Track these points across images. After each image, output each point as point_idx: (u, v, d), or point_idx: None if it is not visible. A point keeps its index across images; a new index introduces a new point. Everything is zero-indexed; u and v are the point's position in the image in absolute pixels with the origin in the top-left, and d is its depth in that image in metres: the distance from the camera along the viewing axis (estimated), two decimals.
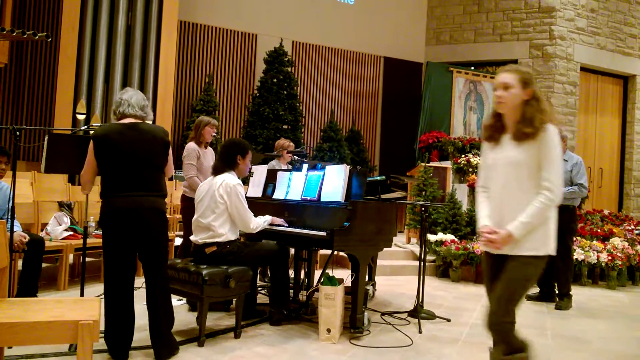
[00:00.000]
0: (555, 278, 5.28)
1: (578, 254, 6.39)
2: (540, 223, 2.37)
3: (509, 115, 2.45)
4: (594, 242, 7.02)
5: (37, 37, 7.14)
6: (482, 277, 6.31)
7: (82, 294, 3.55)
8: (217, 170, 3.82)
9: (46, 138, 3.33)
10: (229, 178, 3.71)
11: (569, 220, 5.25)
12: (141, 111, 3.18)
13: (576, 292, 5.37)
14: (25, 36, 7.09)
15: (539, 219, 2.35)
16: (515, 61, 11.57)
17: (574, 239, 5.77)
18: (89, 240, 5.04)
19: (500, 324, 2.40)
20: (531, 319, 4.70)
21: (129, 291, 3.12)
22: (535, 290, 5.75)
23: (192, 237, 3.79)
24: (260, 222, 3.83)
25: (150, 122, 3.34)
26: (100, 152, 3.05)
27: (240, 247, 3.75)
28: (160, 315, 3.14)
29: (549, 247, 2.41)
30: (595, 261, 6.56)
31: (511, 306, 2.38)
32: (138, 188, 3.05)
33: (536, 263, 2.40)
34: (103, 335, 3.03)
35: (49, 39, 7.38)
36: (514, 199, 2.40)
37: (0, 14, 7.75)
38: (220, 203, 3.63)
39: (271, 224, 3.97)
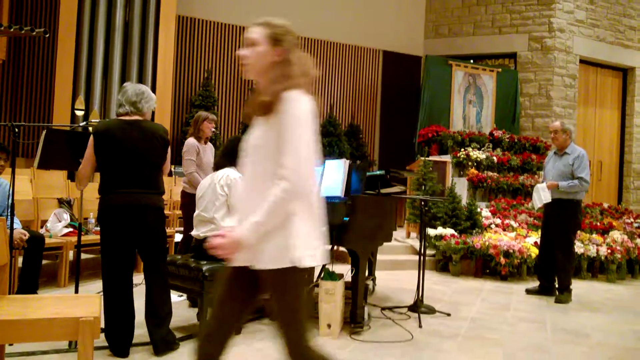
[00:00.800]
0: (556, 272, 5.29)
1: (578, 248, 6.41)
2: (281, 224, 1.79)
3: (258, 83, 1.95)
4: (594, 235, 7.03)
5: (34, 33, 7.12)
6: (481, 271, 6.35)
7: (76, 291, 3.54)
8: (218, 166, 3.84)
9: (43, 133, 3.33)
10: (231, 172, 3.72)
11: (572, 214, 5.25)
12: (132, 107, 3.14)
13: (575, 285, 5.39)
14: (23, 32, 7.08)
15: (274, 218, 1.77)
16: (514, 54, 11.57)
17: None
18: (89, 237, 5.05)
19: (303, 355, 1.88)
20: (531, 312, 4.72)
21: (128, 287, 3.13)
22: (535, 283, 5.78)
23: (193, 232, 3.80)
24: None
25: (150, 113, 3.32)
26: (100, 147, 3.05)
27: None
28: (158, 310, 3.15)
29: (292, 255, 1.78)
30: (595, 254, 6.58)
31: (300, 330, 1.88)
32: (136, 185, 3.06)
33: (287, 275, 1.81)
34: (103, 331, 3.04)
35: (47, 35, 7.36)
36: (254, 192, 1.86)
37: None
38: (220, 195, 3.64)
39: None
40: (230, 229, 1.81)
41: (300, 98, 1.82)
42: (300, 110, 1.80)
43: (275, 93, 1.81)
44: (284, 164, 1.76)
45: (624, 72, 12.21)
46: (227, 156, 3.84)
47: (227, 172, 3.72)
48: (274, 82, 1.84)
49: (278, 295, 1.85)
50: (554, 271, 5.34)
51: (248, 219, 1.77)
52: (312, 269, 1.90)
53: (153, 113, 8.82)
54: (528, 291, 5.56)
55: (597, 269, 6.74)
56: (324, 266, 4.35)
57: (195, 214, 3.80)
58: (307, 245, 1.82)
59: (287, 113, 1.78)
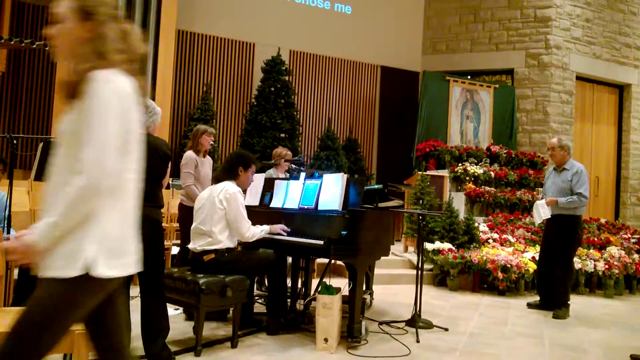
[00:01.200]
0: (555, 287, 5.29)
1: (575, 263, 6.39)
2: (79, 225, 1.53)
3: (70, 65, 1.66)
4: (591, 250, 7.03)
5: (34, 46, 7.15)
6: (478, 286, 6.34)
7: None
8: (217, 179, 3.85)
9: (40, 145, 3.34)
10: (229, 186, 3.73)
11: (572, 230, 5.25)
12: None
13: (573, 300, 5.38)
14: (23, 45, 7.12)
15: (71, 219, 1.51)
16: (511, 70, 11.65)
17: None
18: None
19: None
20: (529, 327, 4.70)
21: (125, 299, 3.11)
22: (533, 298, 5.76)
23: (190, 245, 3.79)
24: (256, 232, 3.82)
25: (155, 127, 3.32)
26: None
27: (238, 256, 3.74)
28: (154, 325, 3.13)
29: (84, 262, 1.51)
30: (593, 270, 6.57)
31: (24, 351, 1.51)
32: None
33: (66, 289, 1.52)
34: None
35: (47, 48, 7.40)
36: (54, 190, 1.62)
37: None
38: (219, 209, 3.64)
39: (271, 233, 3.96)
40: (24, 232, 1.55)
41: (112, 78, 1.55)
42: (108, 92, 1.53)
43: (80, 73, 1.56)
44: (84, 156, 1.51)
45: (620, 89, 12.30)
46: (228, 170, 3.86)
47: (226, 186, 3.72)
48: (81, 61, 1.59)
49: (45, 300, 1.55)
50: (553, 286, 5.33)
51: (44, 219, 1.51)
52: (119, 280, 1.62)
53: None
54: (529, 305, 5.55)
55: (594, 284, 6.73)
56: (321, 280, 4.34)
57: (192, 227, 3.80)
58: (109, 252, 1.55)
59: (92, 96, 1.52)
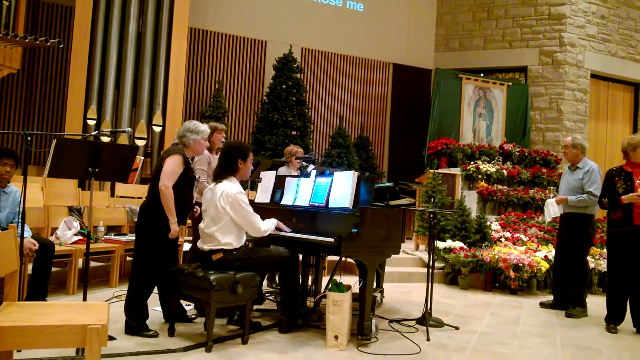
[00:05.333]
0: (569, 286, 5.25)
1: (589, 262, 6.33)
2: None
3: None
4: (604, 249, 6.94)
5: (49, 44, 7.23)
6: (490, 285, 6.30)
7: (84, 298, 3.56)
8: (217, 177, 3.79)
9: (54, 142, 3.37)
10: (229, 187, 3.65)
11: (582, 228, 5.20)
12: (179, 140, 3.85)
13: (587, 300, 5.32)
14: (38, 42, 7.19)
15: None
16: (525, 68, 11.55)
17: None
18: (98, 245, 5.08)
19: None
20: (541, 327, 4.66)
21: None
22: (546, 297, 5.72)
23: (198, 244, 3.80)
24: (269, 225, 3.82)
25: (197, 145, 3.91)
26: None
27: (247, 253, 3.74)
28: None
29: None
30: (605, 269, 6.48)
31: None
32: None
33: None
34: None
35: (61, 45, 7.47)
36: None
37: (14, 20, 7.84)
38: (223, 214, 3.61)
39: (277, 227, 3.97)
40: None
41: None
42: None
43: None
44: None
45: (636, 87, 12.15)
46: (227, 166, 3.79)
47: (226, 188, 3.64)
48: None
49: None
50: (566, 285, 5.30)
51: None
52: None
53: (164, 124, 8.90)
54: (542, 304, 5.51)
55: (607, 284, 6.64)
56: (331, 277, 4.34)
57: (199, 225, 3.81)
58: None
59: None
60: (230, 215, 3.61)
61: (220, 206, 3.61)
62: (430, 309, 4.42)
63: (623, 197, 4.51)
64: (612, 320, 4.68)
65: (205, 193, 3.84)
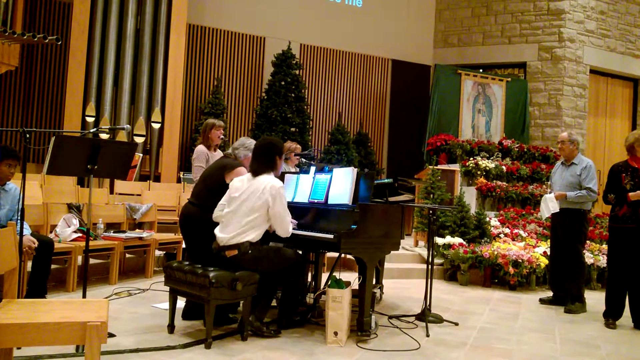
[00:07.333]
0: (567, 282, 5.26)
1: (587, 258, 6.34)
2: None
3: None
4: (603, 245, 6.96)
5: (47, 41, 7.21)
6: (489, 281, 6.31)
7: (84, 295, 3.56)
8: (256, 172, 3.73)
9: (53, 139, 3.36)
10: (274, 180, 3.66)
11: (579, 224, 5.22)
12: (232, 151, 4.16)
13: (585, 295, 5.33)
14: (36, 39, 7.17)
15: None
16: (524, 64, 11.54)
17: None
18: (97, 242, 5.08)
19: None
20: (540, 322, 4.67)
21: None
22: (545, 293, 5.73)
23: (217, 232, 3.72)
24: (291, 228, 3.78)
25: (241, 158, 4.13)
26: None
27: (262, 252, 3.70)
28: None
29: None
30: (605, 265, 6.50)
31: None
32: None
33: None
34: None
35: (59, 42, 7.45)
36: None
37: (12, 17, 7.82)
38: (261, 206, 3.58)
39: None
40: None
41: None
42: None
43: None
44: None
45: (635, 82, 12.14)
46: (266, 162, 3.75)
47: (271, 181, 3.64)
48: None
49: None
50: (564, 281, 5.31)
51: None
52: None
53: (163, 120, 8.89)
54: (542, 300, 5.52)
55: (607, 279, 6.65)
56: (331, 273, 4.34)
57: (225, 211, 3.72)
58: None
59: None
60: (269, 207, 3.59)
61: (264, 197, 3.58)
62: (430, 305, 4.43)
63: (631, 194, 4.50)
64: (611, 316, 4.69)
65: (236, 182, 3.76)
